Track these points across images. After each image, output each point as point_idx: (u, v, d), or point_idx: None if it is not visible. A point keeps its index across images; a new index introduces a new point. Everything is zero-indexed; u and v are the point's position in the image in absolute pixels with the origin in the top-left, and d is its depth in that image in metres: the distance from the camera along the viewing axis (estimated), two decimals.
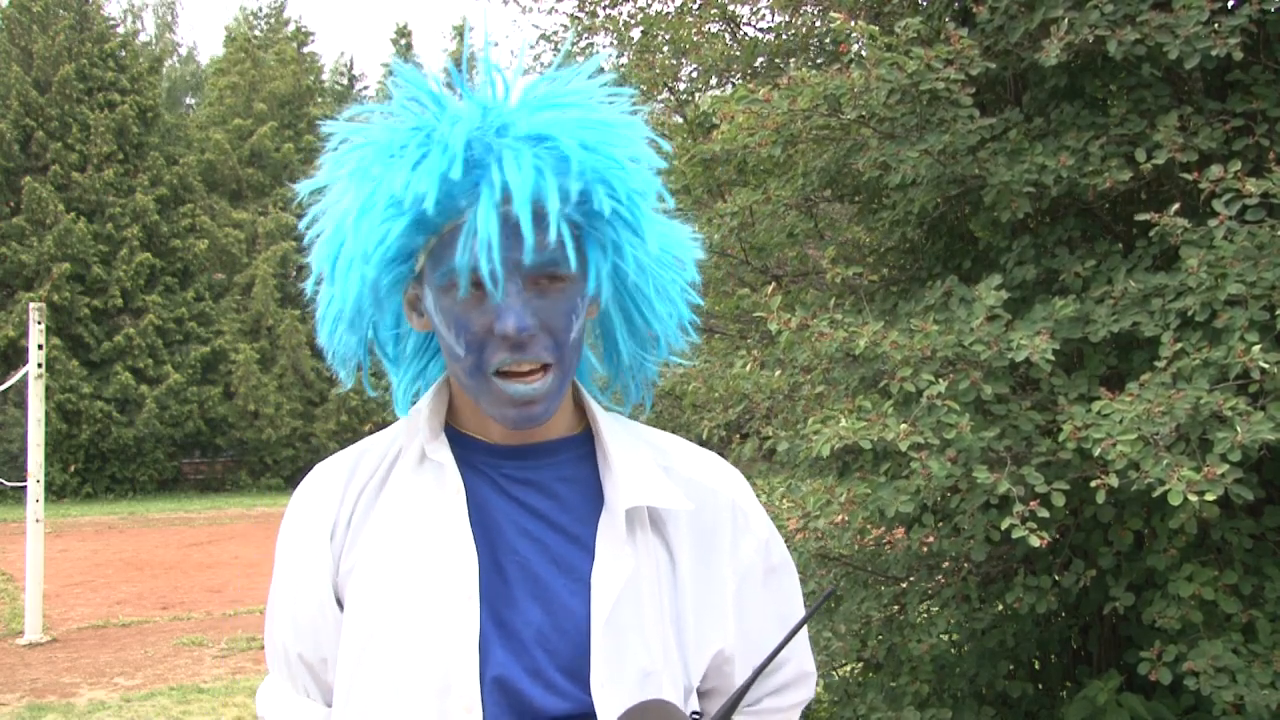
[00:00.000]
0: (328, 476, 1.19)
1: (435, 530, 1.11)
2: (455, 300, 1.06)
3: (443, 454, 1.15)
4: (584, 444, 1.19)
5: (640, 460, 1.17)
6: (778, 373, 3.35)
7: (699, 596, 1.16)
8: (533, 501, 1.14)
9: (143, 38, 27.15)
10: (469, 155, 1.03)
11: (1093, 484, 2.63)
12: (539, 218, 1.02)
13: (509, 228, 1.03)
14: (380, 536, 1.13)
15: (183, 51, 31.94)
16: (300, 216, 1.18)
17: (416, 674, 1.07)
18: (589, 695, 1.07)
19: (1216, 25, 2.80)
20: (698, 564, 1.17)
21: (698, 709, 1.16)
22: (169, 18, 30.70)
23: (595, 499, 1.16)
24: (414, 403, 1.26)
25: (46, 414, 9.82)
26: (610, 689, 1.07)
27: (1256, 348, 2.59)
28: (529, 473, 1.15)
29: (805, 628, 1.28)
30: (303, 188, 1.16)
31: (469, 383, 1.10)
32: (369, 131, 1.10)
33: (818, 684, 3.84)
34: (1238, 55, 2.77)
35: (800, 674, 1.29)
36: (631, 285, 1.15)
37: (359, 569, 1.13)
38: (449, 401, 1.20)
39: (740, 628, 1.19)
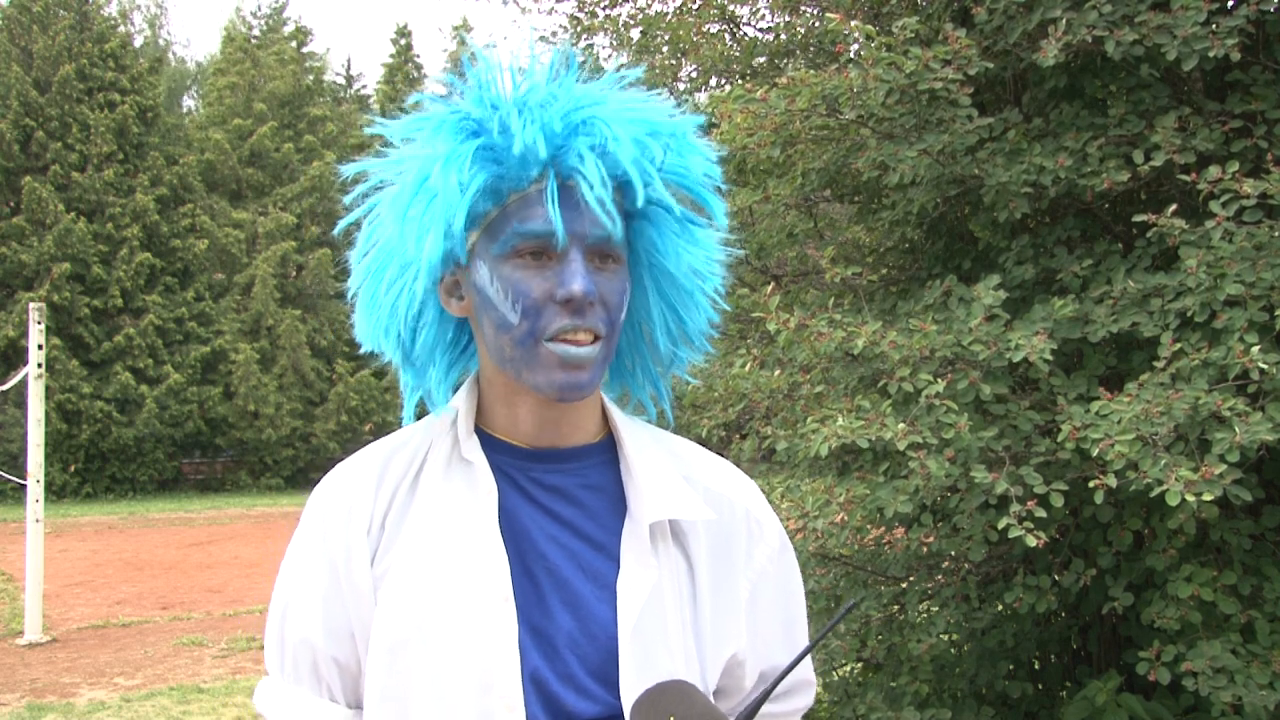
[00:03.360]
0: (358, 474, 1.18)
1: (468, 533, 1.12)
2: (516, 267, 1.10)
3: (476, 454, 1.16)
4: (606, 450, 1.21)
5: (662, 469, 1.19)
6: (777, 372, 3.35)
7: (715, 603, 1.19)
8: (559, 509, 1.16)
9: (137, 41, 27.12)
10: (540, 129, 1.08)
11: (1091, 484, 2.63)
12: (604, 194, 1.08)
13: (576, 200, 1.08)
14: (415, 539, 1.13)
15: (177, 50, 31.95)
16: (345, 205, 1.20)
17: (457, 673, 1.08)
18: (617, 699, 1.10)
19: (1215, 26, 2.80)
20: (714, 572, 1.20)
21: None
22: (159, 17, 30.74)
23: (618, 506, 1.18)
24: (419, 407, 1.26)
25: (46, 414, 9.82)
26: (639, 693, 1.09)
27: (1255, 348, 2.59)
28: (555, 478, 1.17)
29: (806, 635, 1.30)
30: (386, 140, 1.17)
31: (517, 352, 1.11)
32: (439, 105, 1.14)
33: (817, 684, 3.83)
34: (1235, 56, 2.77)
35: (800, 681, 1.32)
36: (674, 279, 1.18)
37: (394, 569, 1.12)
38: (478, 402, 1.21)
39: (751, 631, 1.22)
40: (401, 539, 1.14)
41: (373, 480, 1.17)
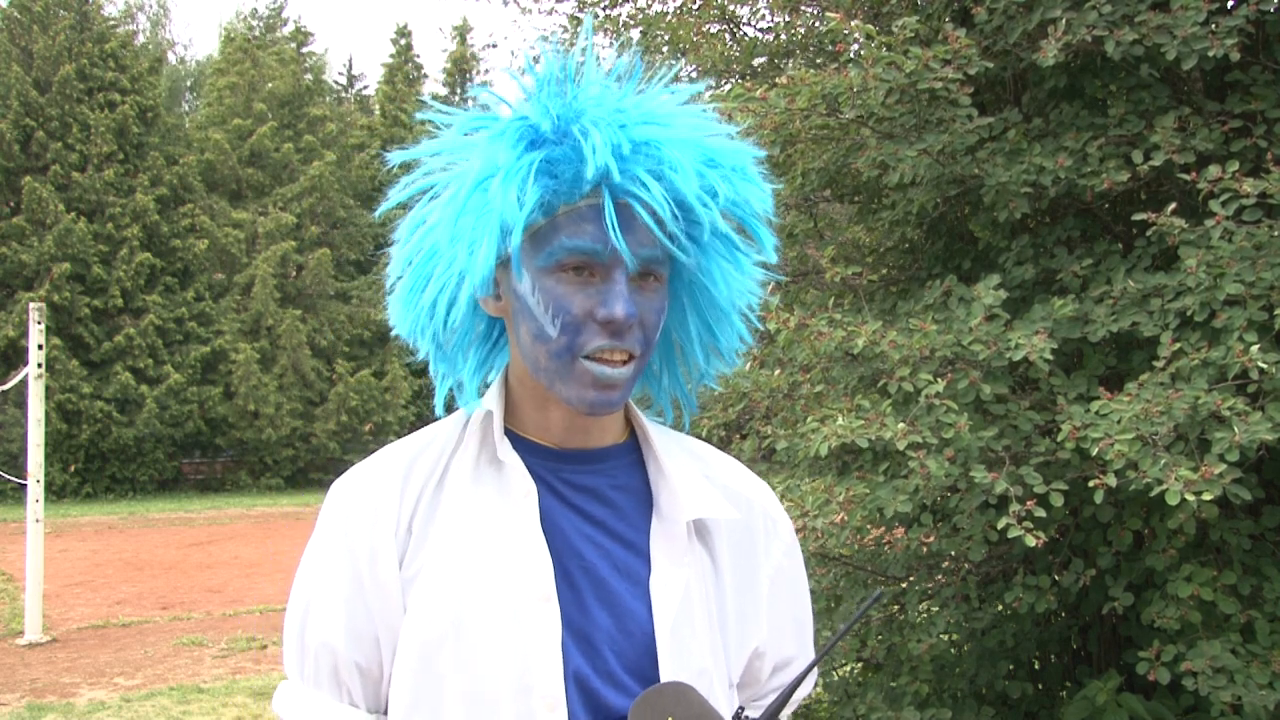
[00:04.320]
0: (382, 475, 1.17)
1: (507, 533, 1.13)
2: (559, 281, 1.10)
3: (511, 455, 1.16)
4: (631, 452, 1.23)
5: (689, 470, 1.21)
6: (777, 371, 3.35)
7: (739, 599, 1.22)
8: (591, 509, 1.17)
9: (138, 39, 27.12)
10: (604, 146, 1.08)
11: (1091, 484, 2.62)
12: (657, 217, 1.08)
13: (627, 221, 1.09)
14: (447, 540, 1.13)
15: (178, 50, 31.94)
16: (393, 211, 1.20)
17: (496, 673, 1.09)
18: None
19: (1214, 26, 2.79)
20: (736, 568, 1.23)
21: (741, 704, 1.22)
22: (161, 17, 30.77)
23: (645, 506, 1.20)
24: (450, 400, 1.27)
25: (46, 414, 9.82)
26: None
27: (1255, 348, 2.59)
28: (586, 478, 1.18)
29: (812, 626, 1.34)
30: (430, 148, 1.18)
31: (552, 364, 1.11)
32: (499, 114, 1.15)
33: (817, 684, 3.84)
34: (1235, 56, 2.77)
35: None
36: (713, 300, 1.20)
37: (425, 573, 1.12)
38: (506, 402, 1.22)
39: (768, 626, 1.25)
40: (431, 540, 1.13)
41: (397, 481, 1.16)
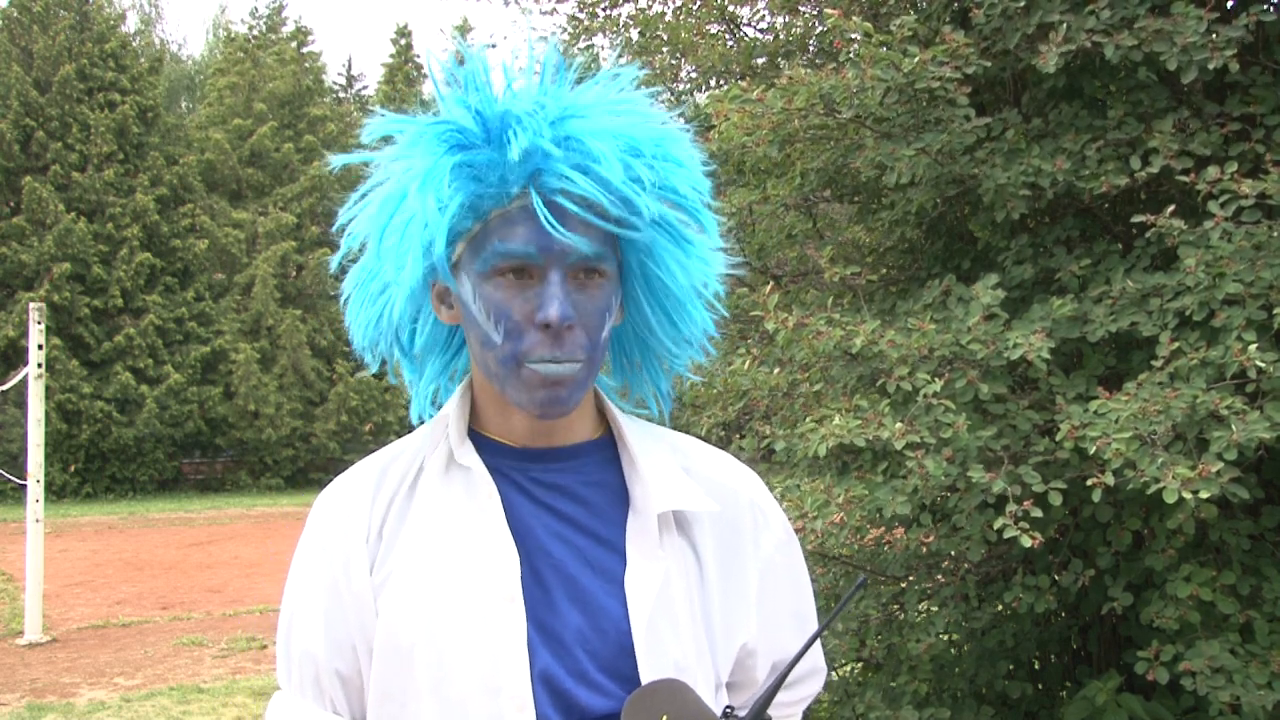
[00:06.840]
0: (355, 485, 1.18)
1: (472, 536, 1.12)
2: (497, 286, 1.09)
3: (471, 458, 1.16)
4: (606, 448, 1.22)
5: (664, 463, 1.19)
6: (776, 370, 3.35)
7: (724, 594, 1.20)
8: (561, 506, 1.16)
9: (135, 40, 27.08)
10: (526, 145, 1.07)
11: (1089, 483, 2.63)
12: (587, 211, 1.07)
13: (559, 218, 1.07)
14: (415, 544, 1.13)
15: (172, 49, 31.81)
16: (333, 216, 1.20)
17: (465, 677, 1.08)
18: (629, 694, 1.10)
19: (1214, 35, 2.79)
20: (722, 562, 1.20)
21: (730, 704, 1.19)
22: (153, 15, 30.71)
23: (621, 501, 1.18)
24: (433, 403, 1.28)
25: (46, 414, 9.82)
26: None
27: (1254, 347, 2.59)
28: (555, 476, 1.17)
29: (816, 621, 1.31)
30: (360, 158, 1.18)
31: (500, 370, 1.11)
32: (425, 116, 1.14)
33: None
34: (1234, 67, 2.77)
35: (811, 669, 1.33)
36: (669, 290, 1.18)
37: (394, 577, 1.13)
38: (471, 405, 1.22)
39: (761, 623, 1.22)
40: (400, 545, 1.14)
41: (369, 490, 1.17)
